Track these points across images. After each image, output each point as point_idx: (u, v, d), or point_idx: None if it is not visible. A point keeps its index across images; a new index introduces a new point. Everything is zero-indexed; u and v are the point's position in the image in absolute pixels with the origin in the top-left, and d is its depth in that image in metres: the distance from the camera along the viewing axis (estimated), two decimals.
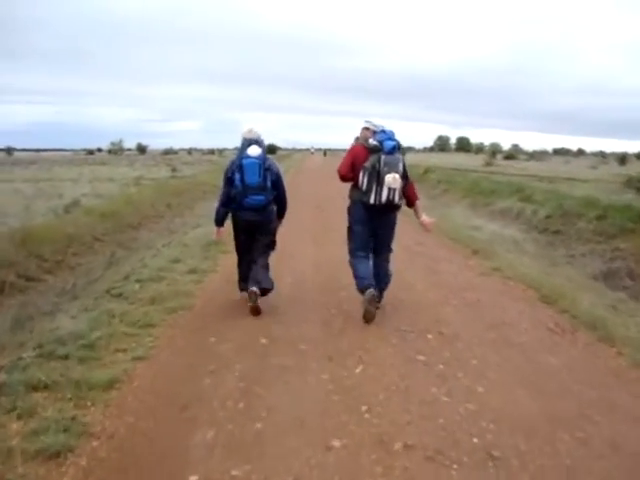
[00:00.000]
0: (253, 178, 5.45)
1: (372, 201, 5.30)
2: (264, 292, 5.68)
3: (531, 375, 4.17)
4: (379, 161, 5.23)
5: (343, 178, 5.62)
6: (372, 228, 5.55)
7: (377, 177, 5.24)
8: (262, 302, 5.63)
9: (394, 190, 5.25)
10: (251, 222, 5.69)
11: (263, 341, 4.82)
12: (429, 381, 4.00)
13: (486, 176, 23.67)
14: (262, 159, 5.51)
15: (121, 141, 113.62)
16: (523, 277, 7.18)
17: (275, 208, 5.86)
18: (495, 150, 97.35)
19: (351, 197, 5.62)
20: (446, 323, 5.32)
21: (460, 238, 9.93)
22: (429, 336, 4.94)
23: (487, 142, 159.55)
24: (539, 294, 6.40)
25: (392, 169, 5.21)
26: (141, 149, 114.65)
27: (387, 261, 5.76)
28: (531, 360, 4.47)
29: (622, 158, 58.17)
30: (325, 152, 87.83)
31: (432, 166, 30.33)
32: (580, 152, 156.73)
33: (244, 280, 5.90)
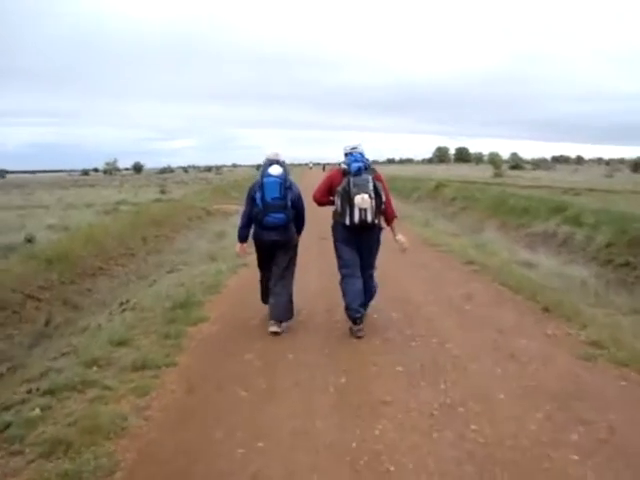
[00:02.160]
0: (273, 195, 5.48)
1: (347, 222, 5.39)
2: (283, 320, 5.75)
3: None
4: (348, 183, 5.37)
5: (319, 202, 5.83)
6: (355, 247, 5.60)
7: (348, 199, 5.35)
8: None
9: (365, 210, 5.32)
10: (272, 242, 5.67)
11: None
12: None
13: (511, 191, 20.89)
14: (283, 178, 5.55)
15: (115, 161, 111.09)
16: None
17: (294, 228, 5.86)
18: (497, 160, 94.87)
19: (333, 218, 5.69)
20: None
21: (516, 284, 7.36)
22: None
23: (485, 152, 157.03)
24: None
25: (361, 190, 5.31)
26: (137, 168, 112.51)
27: (371, 277, 5.81)
28: None
29: (636, 165, 55.46)
30: (324, 167, 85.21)
31: (442, 180, 27.59)
32: (579, 159, 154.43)
33: (266, 295, 5.97)
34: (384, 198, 5.51)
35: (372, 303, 6.00)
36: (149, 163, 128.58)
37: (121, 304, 7.20)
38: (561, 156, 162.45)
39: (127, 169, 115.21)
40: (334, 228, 5.68)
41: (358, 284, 5.55)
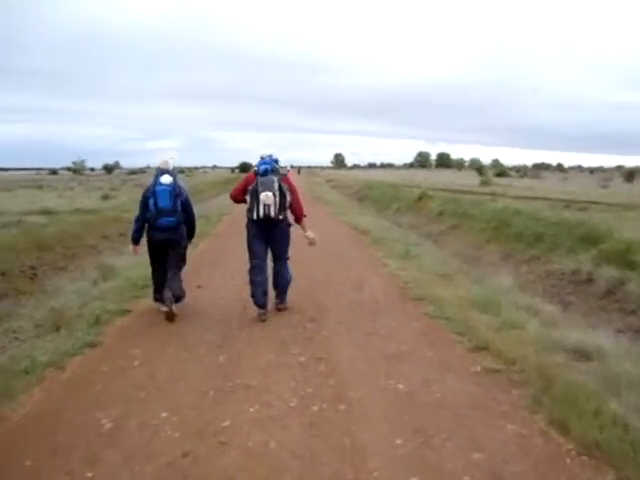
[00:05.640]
0: (165, 203, 6.21)
1: (255, 217, 6.15)
2: (178, 299, 6.35)
3: None
4: (257, 183, 6.11)
5: (234, 199, 6.54)
6: (265, 241, 6.37)
7: (256, 196, 6.08)
8: None
9: (268, 206, 6.05)
10: (163, 240, 6.36)
11: None
12: None
13: (504, 203, 16.73)
14: (172, 186, 6.28)
15: (83, 161, 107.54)
16: None
17: (185, 228, 6.58)
18: (482, 166, 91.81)
19: (246, 216, 6.32)
20: None
21: (594, 435, 3.57)
22: None
23: (466, 157, 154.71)
24: None
25: (266, 188, 6.02)
26: (108, 169, 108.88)
27: (284, 267, 6.57)
28: None
29: (630, 174, 52.21)
30: (299, 170, 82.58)
31: (426, 189, 23.31)
32: (560, 167, 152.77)
33: (158, 291, 6.55)
34: (289, 197, 6.28)
35: None
36: (129, 163, 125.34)
37: None
38: (542, 163, 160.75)
39: (101, 169, 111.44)
40: (247, 224, 6.39)
41: (263, 275, 6.34)
